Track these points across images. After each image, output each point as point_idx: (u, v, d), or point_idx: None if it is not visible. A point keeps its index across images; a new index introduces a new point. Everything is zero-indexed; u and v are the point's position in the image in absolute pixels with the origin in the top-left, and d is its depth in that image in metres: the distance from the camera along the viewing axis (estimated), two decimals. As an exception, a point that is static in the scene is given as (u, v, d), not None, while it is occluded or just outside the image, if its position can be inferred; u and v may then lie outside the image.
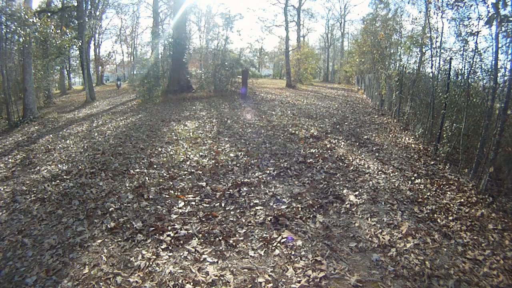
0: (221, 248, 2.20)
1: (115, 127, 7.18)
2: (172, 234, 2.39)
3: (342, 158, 4.47)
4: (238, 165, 4.11)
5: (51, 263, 2.12)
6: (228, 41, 15.57)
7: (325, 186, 3.40)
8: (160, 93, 12.22)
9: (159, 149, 4.94)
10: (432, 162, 4.39)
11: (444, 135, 4.57)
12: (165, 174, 3.81)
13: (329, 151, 4.78)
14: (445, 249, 2.26)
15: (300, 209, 2.82)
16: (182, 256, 2.12)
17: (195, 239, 2.33)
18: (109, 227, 2.57)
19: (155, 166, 4.14)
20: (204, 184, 3.46)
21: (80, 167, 4.27)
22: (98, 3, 23.94)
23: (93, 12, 22.66)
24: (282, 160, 4.26)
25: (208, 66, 14.67)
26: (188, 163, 4.24)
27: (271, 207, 2.88)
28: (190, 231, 2.42)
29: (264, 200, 3.04)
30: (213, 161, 4.27)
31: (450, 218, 2.76)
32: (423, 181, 3.66)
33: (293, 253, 2.14)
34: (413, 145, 5.30)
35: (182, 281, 1.86)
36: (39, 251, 2.29)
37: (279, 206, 2.89)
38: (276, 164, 4.11)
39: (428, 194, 3.29)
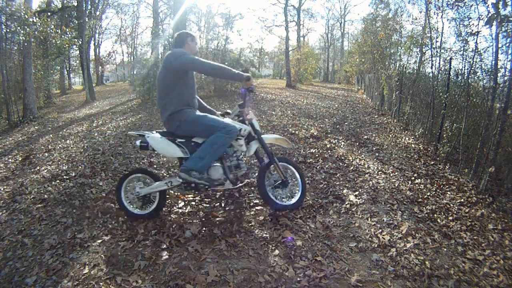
0: (221, 248, 2.20)
1: (115, 127, 7.18)
2: (172, 234, 2.39)
3: (342, 158, 4.46)
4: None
5: (51, 263, 2.12)
6: (228, 41, 15.54)
7: (325, 186, 3.40)
8: (160, 93, 12.20)
9: (159, 149, 4.94)
10: (432, 162, 4.38)
11: (444, 135, 4.57)
12: (165, 174, 3.81)
13: (329, 151, 4.78)
14: (445, 249, 2.26)
15: (300, 209, 2.82)
16: (182, 256, 2.12)
17: (195, 239, 2.33)
18: (109, 227, 2.57)
19: (155, 166, 4.14)
20: (204, 184, 3.46)
21: (80, 167, 4.27)
22: (98, 3, 23.93)
23: (93, 12, 22.65)
24: (282, 160, 4.25)
25: (208, 66, 14.63)
26: (188, 163, 4.24)
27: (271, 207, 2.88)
28: (190, 231, 2.42)
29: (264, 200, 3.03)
30: (213, 161, 4.27)
31: (450, 218, 2.76)
32: (423, 181, 3.66)
33: (293, 253, 2.14)
34: (413, 145, 5.30)
35: (182, 281, 1.86)
36: (39, 251, 2.29)
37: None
38: (276, 164, 4.11)
39: (428, 194, 3.29)
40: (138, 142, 2.53)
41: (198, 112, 2.55)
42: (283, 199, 2.74)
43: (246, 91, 2.55)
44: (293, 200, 2.73)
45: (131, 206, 2.66)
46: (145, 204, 2.65)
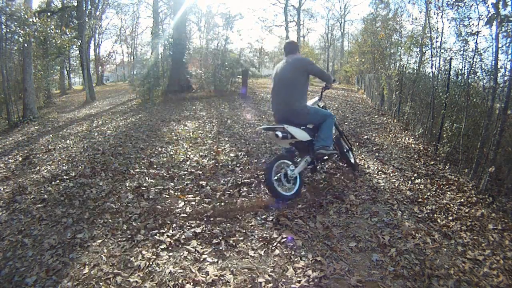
0: (221, 248, 2.20)
1: (115, 127, 7.18)
2: (172, 234, 2.39)
3: (342, 158, 4.46)
4: (238, 165, 4.11)
5: (51, 263, 2.12)
6: (228, 41, 15.53)
7: (325, 186, 3.40)
8: (160, 93, 12.21)
9: (159, 149, 4.94)
10: (432, 162, 4.38)
11: (444, 135, 4.57)
12: (165, 174, 3.81)
13: (329, 151, 4.78)
14: (445, 249, 2.26)
15: (300, 209, 2.82)
16: (182, 256, 2.12)
17: (195, 239, 2.33)
18: (109, 227, 2.57)
19: (155, 166, 4.14)
20: (204, 184, 3.46)
21: (80, 167, 4.27)
22: (98, 3, 23.95)
23: (93, 12, 22.66)
24: (282, 160, 4.25)
25: (208, 66, 14.65)
26: (188, 163, 4.24)
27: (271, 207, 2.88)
28: (190, 231, 2.42)
29: (264, 200, 3.03)
30: (213, 161, 4.27)
31: (450, 218, 2.76)
32: (423, 181, 3.66)
33: (293, 253, 2.14)
34: (413, 145, 5.29)
35: (182, 281, 1.86)
36: (39, 251, 2.29)
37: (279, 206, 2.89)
38: (276, 164, 4.11)
39: (428, 194, 3.29)
40: (280, 133, 2.92)
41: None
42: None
43: (324, 89, 3.65)
44: (352, 160, 3.85)
45: (280, 189, 2.91)
46: (293, 185, 3.03)
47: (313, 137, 3.12)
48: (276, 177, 2.91)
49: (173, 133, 6.09)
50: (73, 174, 3.97)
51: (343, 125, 6.97)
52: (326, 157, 3.26)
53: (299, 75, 2.99)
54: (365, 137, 5.89)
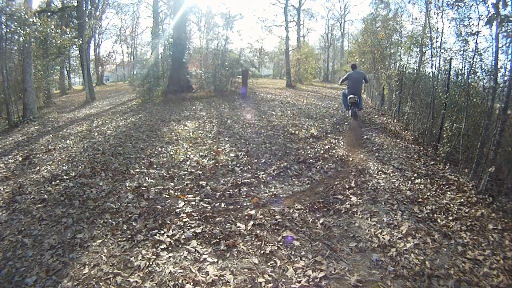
0: (221, 248, 2.20)
1: (115, 127, 7.18)
2: (172, 234, 2.39)
3: (342, 158, 4.46)
4: (238, 165, 4.12)
5: (51, 263, 2.12)
6: (228, 41, 15.56)
7: (325, 186, 3.40)
8: (160, 93, 12.21)
9: (159, 149, 4.94)
10: (432, 162, 4.38)
11: (444, 135, 4.57)
12: (165, 174, 3.81)
13: (329, 151, 4.78)
14: (445, 249, 2.26)
15: (300, 209, 2.82)
16: (182, 256, 2.12)
17: (195, 239, 2.33)
18: (109, 227, 2.57)
19: (155, 166, 4.15)
20: (204, 184, 3.46)
21: (80, 167, 4.27)
22: (98, 3, 23.91)
23: (93, 12, 22.62)
24: (282, 160, 4.26)
25: (208, 66, 14.65)
26: (188, 163, 4.24)
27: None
28: (190, 231, 2.42)
29: (264, 200, 3.04)
30: (213, 161, 4.27)
31: (450, 218, 2.76)
32: (423, 181, 3.66)
33: (293, 253, 2.14)
34: (413, 145, 5.30)
35: (182, 281, 1.86)
36: (39, 251, 2.29)
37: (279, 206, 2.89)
38: (276, 164, 4.11)
39: (428, 194, 3.29)
40: (357, 98, 6.47)
41: None
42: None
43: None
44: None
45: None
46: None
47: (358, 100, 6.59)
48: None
49: (173, 133, 6.09)
50: (73, 174, 3.97)
51: (343, 125, 6.99)
52: (361, 109, 7.06)
53: (362, 78, 6.79)
54: (365, 137, 5.89)
